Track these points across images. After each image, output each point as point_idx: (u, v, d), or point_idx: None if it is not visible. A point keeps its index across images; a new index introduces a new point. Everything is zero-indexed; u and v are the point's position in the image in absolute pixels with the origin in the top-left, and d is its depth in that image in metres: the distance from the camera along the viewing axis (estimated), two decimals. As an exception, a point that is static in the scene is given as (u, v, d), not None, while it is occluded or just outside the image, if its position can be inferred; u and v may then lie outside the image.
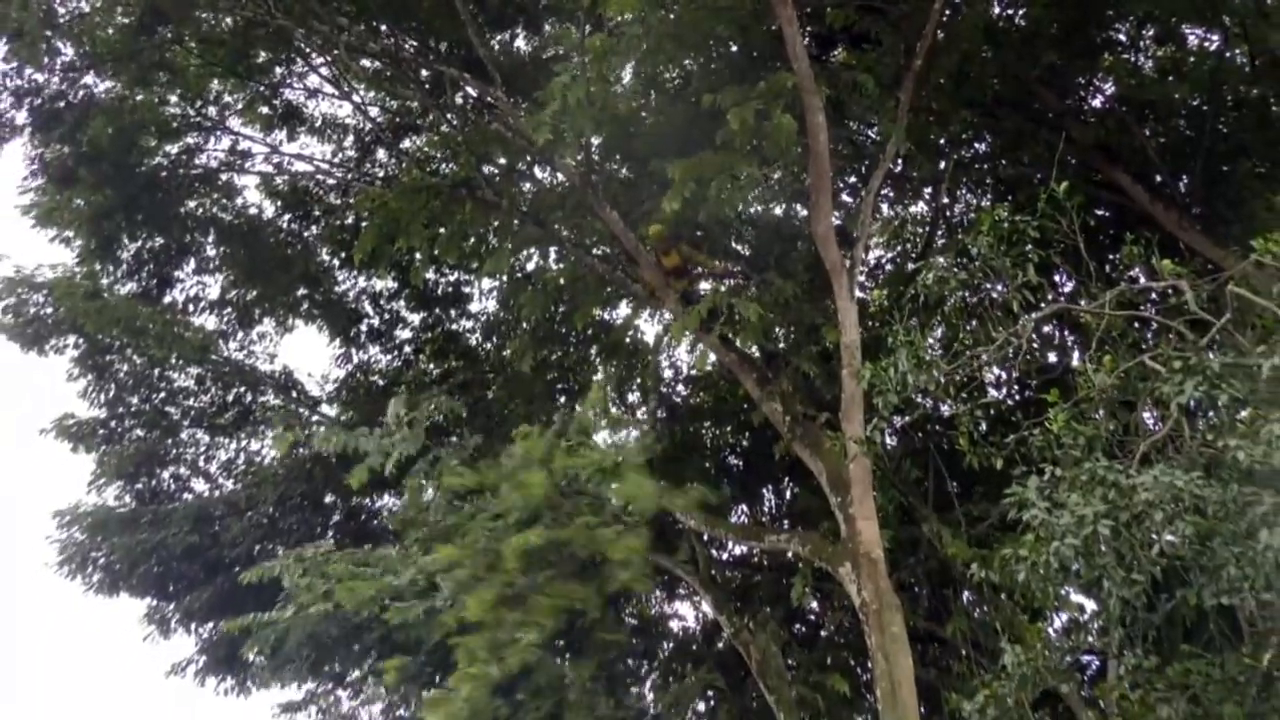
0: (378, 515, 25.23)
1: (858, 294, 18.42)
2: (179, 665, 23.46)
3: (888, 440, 20.08)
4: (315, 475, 23.15)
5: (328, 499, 23.89)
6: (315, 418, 24.48)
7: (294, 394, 24.47)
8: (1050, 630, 17.09)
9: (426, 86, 21.76)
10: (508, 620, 14.87)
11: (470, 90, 21.26)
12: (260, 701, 23.97)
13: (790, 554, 20.30)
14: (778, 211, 22.51)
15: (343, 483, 23.39)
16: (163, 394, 23.52)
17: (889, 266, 24.49)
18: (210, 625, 23.29)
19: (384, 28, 21.47)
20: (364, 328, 25.29)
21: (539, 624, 14.60)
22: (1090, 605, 15.92)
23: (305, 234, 24.37)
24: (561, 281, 22.03)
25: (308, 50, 22.07)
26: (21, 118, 20.27)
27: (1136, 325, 12.74)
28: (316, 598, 17.29)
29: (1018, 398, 20.07)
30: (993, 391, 18.45)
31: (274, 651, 19.62)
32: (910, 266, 21.21)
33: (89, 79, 20.68)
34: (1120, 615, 11.47)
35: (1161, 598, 11.56)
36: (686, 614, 25.36)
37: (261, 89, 22.83)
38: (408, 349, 25.57)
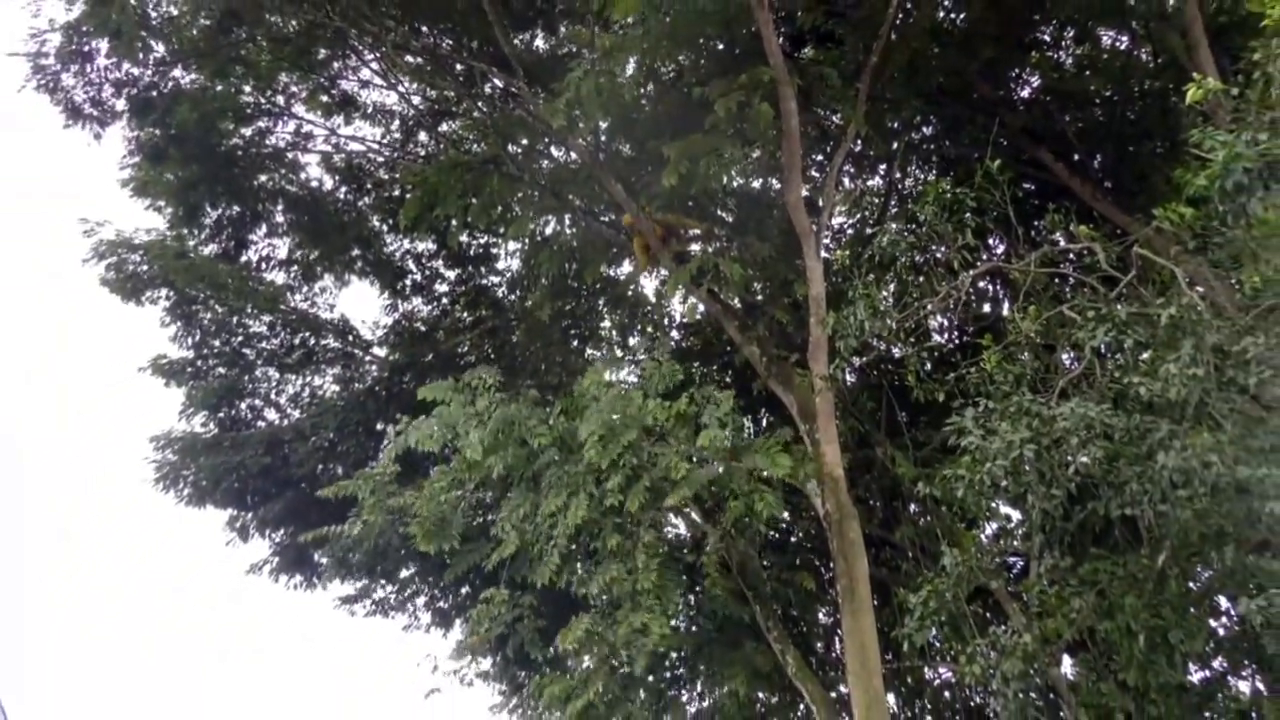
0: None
1: (823, 254, 18.42)
2: (256, 565, 23.75)
3: (848, 377, 20.09)
4: (369, 407, 23.20)
5: (379, 426, 23.92)
6: (368, 357, 24.53)
7: (350, 338, 24.45)
8: (982, 536, 17.20)
9: (460, 79, 21.68)
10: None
11: (497, 82, 21.16)
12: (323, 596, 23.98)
13: (765, 473, 20.36)
14: (756, 184, 22.46)
15: (391, 414, 23.58)
16: (240, 338, 23.50)
17: (850, 231, 24.43)
18: (282, 532, 23.50)
19: (424, 28, 21.39)
20: (408, 282, 25.19)
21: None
22: (1016, 515, 16.00)
23: (359, 204, 24.27)
24: (574, 244, 21.98)
25: (360, 48, 21.99)
26: (120, 105, 20.23)
27: (1057, 281, 12.78)
28: (381, 512, 17.45)
29: (957, 342, 20.09)
30: (936, 336, 18.54)
31: (344, 556, 19.87)
32: (868, 231, 21.21)
33: (176, 72, 20.59)
34: (1041, 524, 11.57)
35: (1076, 509, 11.64)
36: (679, 522, 25.38)
37: (322, 80, 22.71)
38: (445, 300, 25.47)
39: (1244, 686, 15.44)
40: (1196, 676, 14.96)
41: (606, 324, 25.13)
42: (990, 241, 19.30)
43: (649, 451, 15.58)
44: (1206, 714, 13.96)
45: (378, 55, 22.00)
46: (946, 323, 19.80)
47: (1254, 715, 14.10)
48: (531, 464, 16.24)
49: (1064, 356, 12.17)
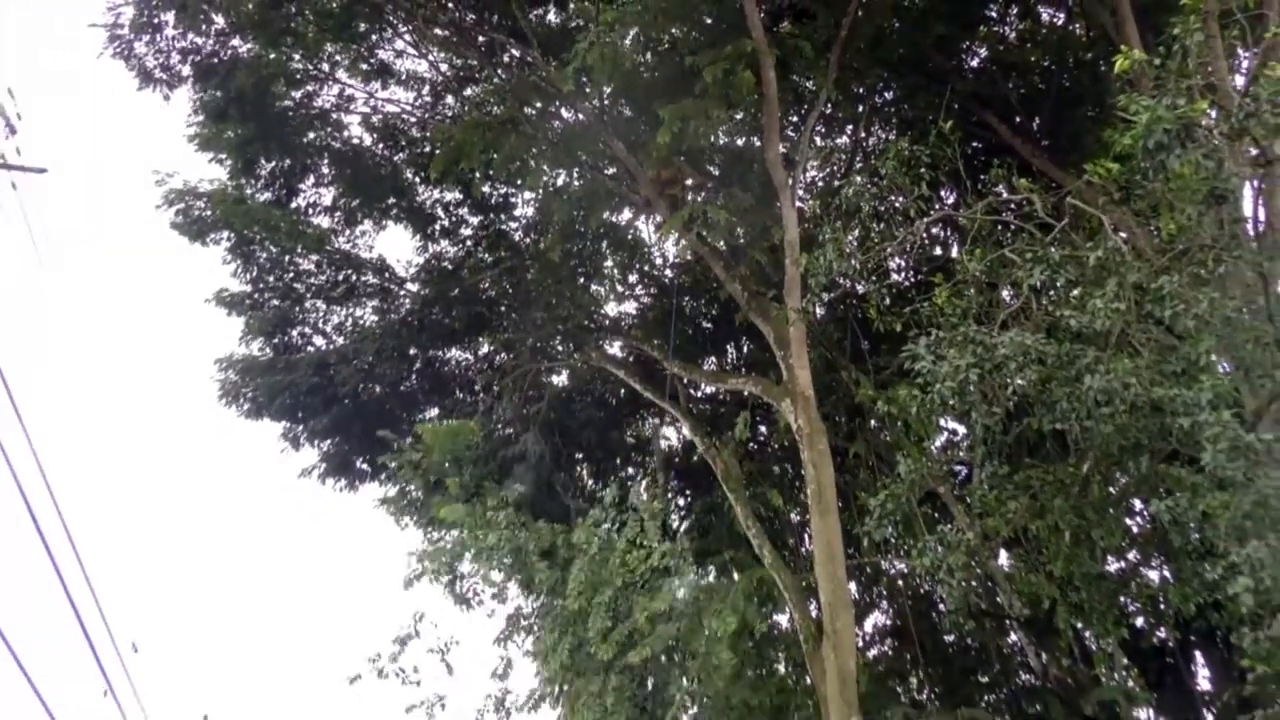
0: (447, 364, 25.42)
1: (797, 203, 18.40)
2: (306, 470, 24.09)
3: (818, 311, 20.08)
4: (403, 334, 23.33)
5: (412, 351, 24.12)
6: (402, 291, 24.54)
7: (386, 275, 24.41)
8: (932, 448, 17.29)
9: (482, 49, 21.52)
10: None
11: (514, 51, 21.02)
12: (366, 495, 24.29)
13: (746, 392, 20.44)
14: (739, 142, 22.35)
15: (424, 340, 23.73)
16: (291, 274, 23.49)
17: (820, 183, 24.29)
18: (329, 442, 23.80)
19: (450, 4, 21.23)
20: (437, 227, 25.02)
21: None
22: (961, 430, 16.08)
23: (394, 158, 24.07)
24: (582, 193, 21.91)
25: (395, 21, 21.75)
26: (186, 70, 20.12)
27: (1000, 227, 12.73)
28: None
29: (912, 280, 20.04)
30: (895, 275, 18.47)
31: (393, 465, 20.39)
32: (836, 183, 21.10)
33: (235, 41, 20.41)
34: (983, 437, 11.64)
35: (1013, 424, 11.72)
36: (671, 435, 25.59)
37: (361, 50, 22.45)
38: (469, 242, 25.31)
39: (1153, 575, 15.72)
40: (1114, 567, 15.20)
41: (609, 263, 25.12)
42: (942, 193, 19.28)
43: (628, 601, 16.25)
44: (1122, 599, 14.19)
45: (410, 28, 21.77)
46: (903, 263, 19.74)
47: (1161, 599, 14.32)
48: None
49: (1005, 293, 12.18)
